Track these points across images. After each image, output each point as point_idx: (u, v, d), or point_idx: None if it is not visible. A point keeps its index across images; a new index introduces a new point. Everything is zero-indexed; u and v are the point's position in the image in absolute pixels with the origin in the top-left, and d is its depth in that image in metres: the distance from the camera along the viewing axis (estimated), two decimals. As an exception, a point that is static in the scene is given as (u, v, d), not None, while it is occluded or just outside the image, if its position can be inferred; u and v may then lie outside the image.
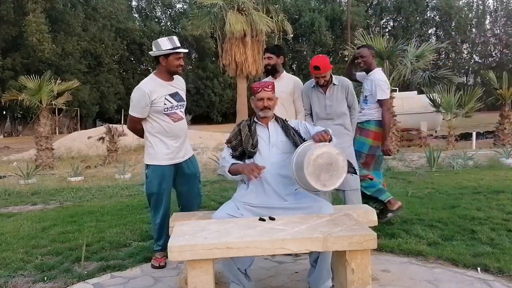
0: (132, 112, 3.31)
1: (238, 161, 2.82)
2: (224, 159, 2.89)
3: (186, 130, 3.50)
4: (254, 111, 2.96)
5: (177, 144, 3.39)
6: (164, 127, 3.32)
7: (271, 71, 3.74)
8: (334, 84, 3.56)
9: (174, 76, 3.40)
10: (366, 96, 4.00)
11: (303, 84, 3.79)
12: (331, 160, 2.47)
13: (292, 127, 2.92)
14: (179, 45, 3.30)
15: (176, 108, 3.36)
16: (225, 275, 2.83)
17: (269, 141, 2.86)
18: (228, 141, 2.92)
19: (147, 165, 3.42)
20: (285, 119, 3.02)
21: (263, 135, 2.88)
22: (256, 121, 2.94)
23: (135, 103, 3.27)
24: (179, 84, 3.45)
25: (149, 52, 3.44)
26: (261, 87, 2.86)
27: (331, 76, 3.55)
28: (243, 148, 2.82)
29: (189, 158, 3.52)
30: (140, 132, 3.46)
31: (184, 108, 3.48)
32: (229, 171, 2.81)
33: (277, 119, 2.97)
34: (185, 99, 3.50)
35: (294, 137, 2.84)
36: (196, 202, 3.60)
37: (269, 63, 3.71)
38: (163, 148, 3.34)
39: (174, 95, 3.36)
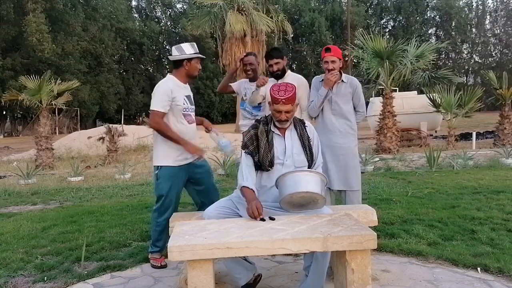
0: (154, 106, 3.29)
1: (251, 186, 2.70)
2: (241, 170, 2.76)
3: (195, 133, 3.57)
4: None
5: None
6: (180, 128, 3.37)
7: (281, 75, 3.69)
8: (342, 81, 3.54)
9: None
10: (260, 103, 3.91)
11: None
12: (307, 200, 2.55)
13: (308, 137, 2.82)
14: (198, 51, 3.44)
15: (190, 110, 3.47)
16: (230, 274, 2.83)
17: (284, 153, 2.76)
18: (245, 146, 2.79)
19: (158, 167, 3.39)
20: (304, 122, 2.90)
21: (279, 146, 2.77)
22: (273, 130, 2.80)
23: (158, 96, 3.30)
24: (190, 88, 3.56)
25: (169, 57, 3.52)
26: (280, 99, 2.66)
27: (341, 74, 3.53)
28: (259, 157, 2.72)
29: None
30: (164, 128, 3.31)
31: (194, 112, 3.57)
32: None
33: (295, 125, 2.84)
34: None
35: (306, 149, 2.77)
36: (216, 196, 3.55)
37: (278, 68, 3.66)
38: (175, 149, 3.35)
39: (189, 98, 3.47)
